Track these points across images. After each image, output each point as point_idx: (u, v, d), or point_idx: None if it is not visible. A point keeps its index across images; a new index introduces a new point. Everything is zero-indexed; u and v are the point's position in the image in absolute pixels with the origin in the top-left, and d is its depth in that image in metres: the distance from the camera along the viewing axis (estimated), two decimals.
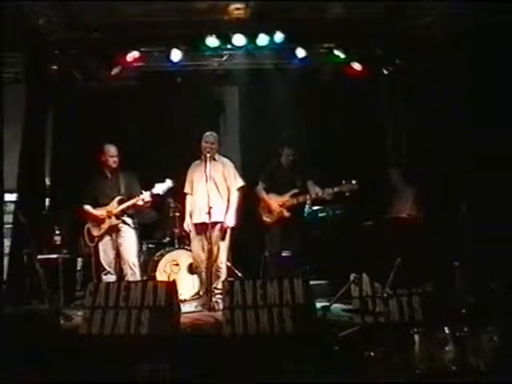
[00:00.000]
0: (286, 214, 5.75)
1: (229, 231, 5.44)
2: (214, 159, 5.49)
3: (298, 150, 6.01)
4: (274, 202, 5.84)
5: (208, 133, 5.54)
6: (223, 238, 5.40)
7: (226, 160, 5.62)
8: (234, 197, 5.47)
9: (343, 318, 4.64)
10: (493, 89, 5.48)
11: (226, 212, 5.41)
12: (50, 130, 6.69)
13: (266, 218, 5.89)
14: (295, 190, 5.78)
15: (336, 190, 5.51)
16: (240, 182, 5.55)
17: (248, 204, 5.84)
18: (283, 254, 5.82)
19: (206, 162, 5.33)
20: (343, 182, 5.43)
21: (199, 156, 5.52)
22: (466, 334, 3.30)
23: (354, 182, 5.41)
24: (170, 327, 4.16)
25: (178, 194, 5.86)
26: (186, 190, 5.60)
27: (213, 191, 5.32)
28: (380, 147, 7.22)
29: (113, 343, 3.95)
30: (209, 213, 5.17)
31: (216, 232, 5.34)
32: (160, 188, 5.38)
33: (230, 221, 5.40)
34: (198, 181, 5.47)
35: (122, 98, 6.96)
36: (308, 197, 5.64)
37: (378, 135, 7.27)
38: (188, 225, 5.52)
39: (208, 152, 5.36)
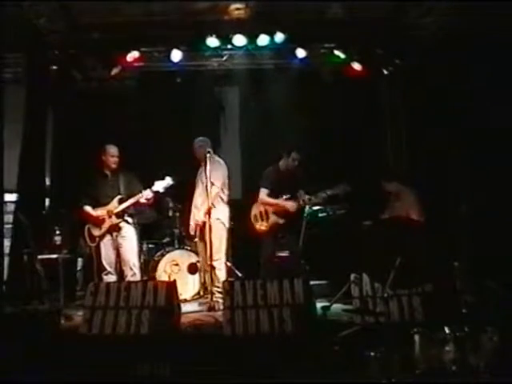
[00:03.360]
0: (280, 220, 5.69)
1: (226, 232, 5.45)
2: (210, 162, 5.35)
3: (304, 156, 5.83)
4: (270, 207, 5.73)
5: (196, 139, 5.57)
6: (221, 239, 5.39)
7: (219, 164, 5.53)
8: (213, 193, 5.31)
9: (343, 317, 4.64)
10: (493, 89, 5.47)
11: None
12: (50, 129, 6.68)
13: (261, 227, 5.76)
14: (287, 196, 5.69)
15: (329, 193, 5.50)
16: (216, 190, 5.39)
17: (249, 204, 5.86)
18: (281, 254, 5.82)
19: (205, 164, 5.32)
20: (336, 186, 5.45)
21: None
22: (466, 334, 3.30)
23: (345, 184, 5.43)
24: (170, 327, 4.16)
25: (177, 194, 5.87)
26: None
27: (202, 193, 5.34)
28: (380, 147, 7.21)
29: (113, 343, 3.95)
30: (208, 213, 5.19)
31: (214, 232, 5.31)
32: (160, 185, 5.39)
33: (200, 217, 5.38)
34: (197, 182, 5.56)
35: (122, 98, 6.96)
36: (301, 201, 5.56)
37: (378, 135, 7.26)
38: (194, 214, 5.52)
39: (198, 156, 5.41)
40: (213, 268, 5.29)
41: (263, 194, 5.73)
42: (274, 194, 5.78)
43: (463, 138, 5.85)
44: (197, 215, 5.49)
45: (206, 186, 5.24)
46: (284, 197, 5.71)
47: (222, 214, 5.45)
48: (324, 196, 5.53)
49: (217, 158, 5.60)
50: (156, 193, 5.42)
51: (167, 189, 5.46)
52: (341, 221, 5.67)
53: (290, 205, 5.62)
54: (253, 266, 5.86)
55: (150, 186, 5.40)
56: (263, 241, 5.79)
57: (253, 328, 3.98)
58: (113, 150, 5.55)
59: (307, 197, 5.61)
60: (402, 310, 4.28)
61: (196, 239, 5.70)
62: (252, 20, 6.24)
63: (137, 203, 5.43)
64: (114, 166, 5.54)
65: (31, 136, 6.26)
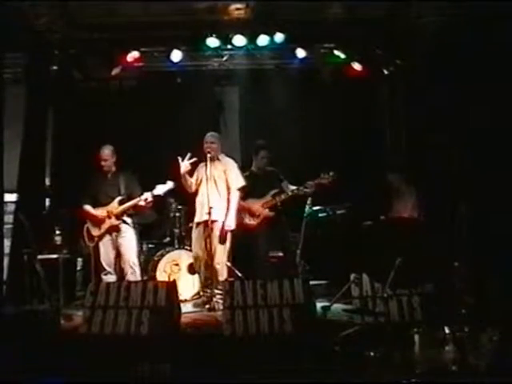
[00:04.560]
0: (270, 213, 5.71)
1: (229, 232, 5.41)
2: (218, 159, 5.48)
3: (272, 153, 5.91)
4: (255, 204, 5.74)
5: (208, 133, 5.53)
6: (223, 239, 5.35)
7: (229, 160, 5.58)
8: (234, 197, 5.41)
9: (343, 317, 4.64)
10: (494, 88, 5.47)
11: (226, 214, 5.33)
12: (50, 129, 6.68)
13: (250, 221, 5.75)
14: (275, 190, 5.75)
15: (316, 181, 5.55)
16: (241, 182, 5.49)
17: None
18: (276, 254, 5.82)
19: (207, 162, 5.33)
20: (321, 174, 5.52)
21: (204, 156, 5.44)
22: (466, 334, 3.30)
23: (331, 173, 5.51)
24: (170, 327, 4.16)
25: (178, 195, 5.86)
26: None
27: (212, 191, 5.29)
28: (380, 147, 7.21)
29: (113, 343, 3.95)
30: (209, 213, 5.16)
31: (215, 231, 5.32)
32: (161, 189, 5.39)
33: (231, 223, 5.32)
34: (201, 181, 5.46)
35: (122, 98, 6.96)
36: (289, 193, 5.63)
37: (378, 135, 7.27)
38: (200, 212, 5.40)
39: (209, 152, 5.35)
40: (214, 269, 5.29)
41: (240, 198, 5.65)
42: (247, 195, 5.73)
43: (464, 138, 5.85)
44: (205, 214, 5.24)
45: (216, 183, 5.28)
46: (271, 192, 5.73)
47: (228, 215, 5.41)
48: (311, 184, 5.57)
49: (227, 158, 5.60)
50: (157, 196, 5.42)
51: (169, 191, 5.47)
52: (341, 221, 5.67)
53: (255, 207, 5.68)
54: (251, 265, 5.87)
55: (150, 187, 5.40)
56: (257, 237, 5.76)
57: (253, 328, 3.98)
58: (107, 151, 5.54)
59: (292, 187, 5.67)
60: (401, 310, 4.28)
61: (194, 238, 5.53)
62: (252, 20, 6.25)
63: (137, 205, 5.43)
64: (111, 167, 5.54)
65: (31, 136, 6.26)
